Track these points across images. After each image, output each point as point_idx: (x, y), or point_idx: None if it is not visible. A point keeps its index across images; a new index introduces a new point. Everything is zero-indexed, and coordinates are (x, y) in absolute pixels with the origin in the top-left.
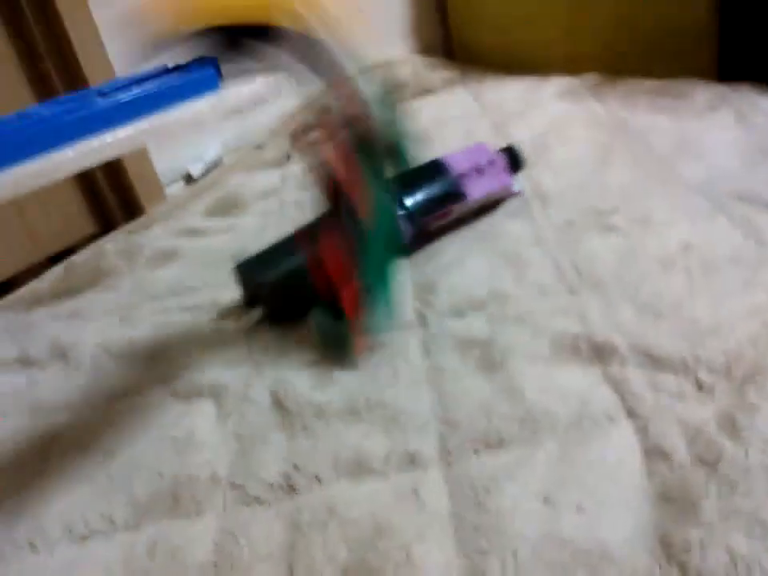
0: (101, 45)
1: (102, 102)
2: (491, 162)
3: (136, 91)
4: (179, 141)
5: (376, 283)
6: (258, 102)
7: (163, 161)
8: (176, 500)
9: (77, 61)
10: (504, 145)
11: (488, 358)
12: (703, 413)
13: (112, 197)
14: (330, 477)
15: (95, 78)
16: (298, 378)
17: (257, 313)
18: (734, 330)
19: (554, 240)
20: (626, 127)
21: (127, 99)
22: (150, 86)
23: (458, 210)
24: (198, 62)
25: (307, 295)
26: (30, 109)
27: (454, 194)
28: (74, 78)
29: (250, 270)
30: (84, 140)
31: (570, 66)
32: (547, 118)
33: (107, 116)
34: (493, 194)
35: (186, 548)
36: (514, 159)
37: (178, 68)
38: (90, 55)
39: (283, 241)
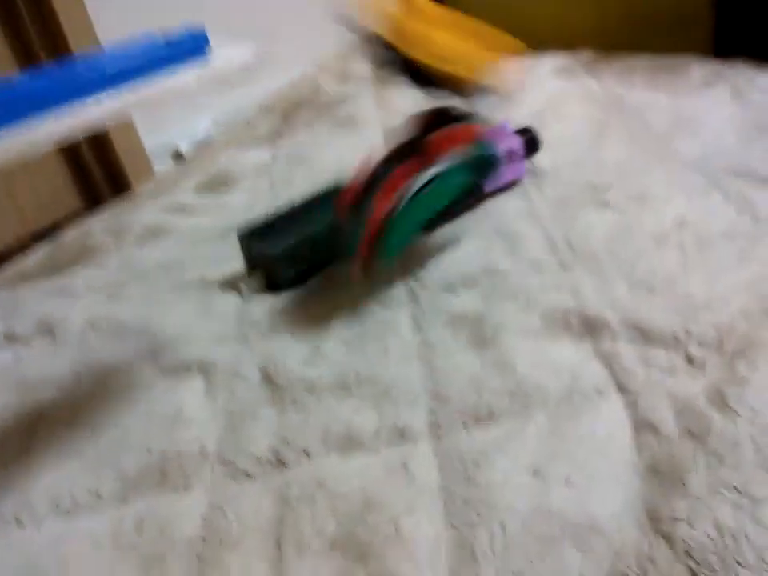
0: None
1: (87, 72)
2: (510, 153)
3: (123, 61)
4: (168, 117)
5: (404, 220)
6: (246, 72)
7: (153, 137)
8: (164, 475)
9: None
10: (518, 123)
11: (480, 333)
12: (693, 387)
13: (99, 172)
14: (320, 451)
15: None
16: (289, 353)
17: (255, 283)
18: (727, 305)
19: (549, 216)
20: (622, 104)
21: (114, 68)
22: (137, 56)
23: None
24: (186, 32)
25: (311, 265)
26: (13, 78)
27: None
28: None
29: (253, 239)
30: (69, 109)
31: (564, 42)
32: (543, 95)
33: (93, 85)
34: (505, 184)
35: (175, 523)
36: (530, 143)
37: (165, 38)
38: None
39: (287, 211)
